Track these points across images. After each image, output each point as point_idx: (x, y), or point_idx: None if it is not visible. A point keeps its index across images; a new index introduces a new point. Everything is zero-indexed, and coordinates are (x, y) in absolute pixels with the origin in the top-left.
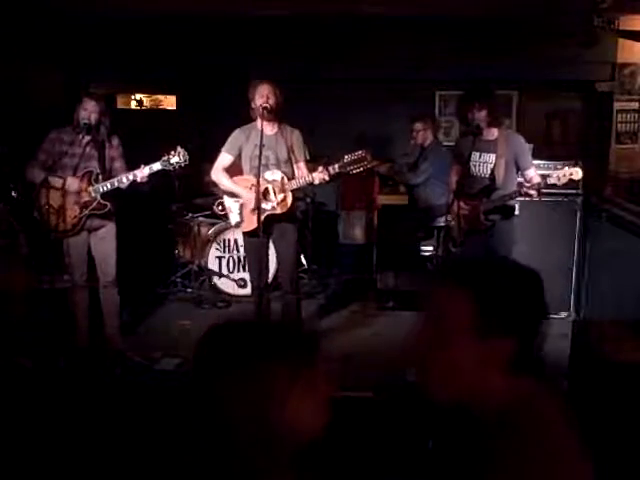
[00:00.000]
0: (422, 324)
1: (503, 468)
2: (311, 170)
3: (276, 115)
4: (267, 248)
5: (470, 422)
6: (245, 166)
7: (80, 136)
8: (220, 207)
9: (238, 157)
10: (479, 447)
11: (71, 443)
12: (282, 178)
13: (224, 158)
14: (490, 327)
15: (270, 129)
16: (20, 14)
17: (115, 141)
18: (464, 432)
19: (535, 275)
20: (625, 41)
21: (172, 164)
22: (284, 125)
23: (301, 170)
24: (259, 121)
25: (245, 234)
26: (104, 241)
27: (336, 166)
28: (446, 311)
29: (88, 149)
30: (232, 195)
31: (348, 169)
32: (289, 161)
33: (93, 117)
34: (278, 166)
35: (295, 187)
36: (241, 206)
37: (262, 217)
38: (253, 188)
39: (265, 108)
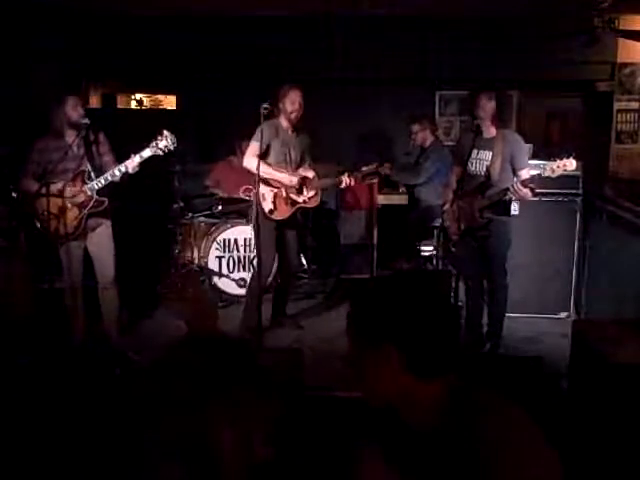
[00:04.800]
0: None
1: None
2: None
3: None
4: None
5: (399, 426)
6: (270, 160)
7: (67, 138)
8: (250, 193)
9: (265, 150)
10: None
11: (70, 442)
12: (314, 177)
13: (256, 147)
14: (365, 337)
15: (291, 130)
16: (20, 14)
17: (101, 136)
18: (397, 436)
19: (417, 283)
20: (625, 41)
21: (161, 148)
22: (299, 129)
23: (310, 171)
24: (283, 120)
25: (270, 220)
26: (100, 242)
27: (359, 176)
28: (347, 323)
29: (78, 149)
30: (268, 184)
31: (366, 179)
32: (302, 161)
33: (81, 114)
34: (299, 165)
35: (325, 186)
36: (275, 195)
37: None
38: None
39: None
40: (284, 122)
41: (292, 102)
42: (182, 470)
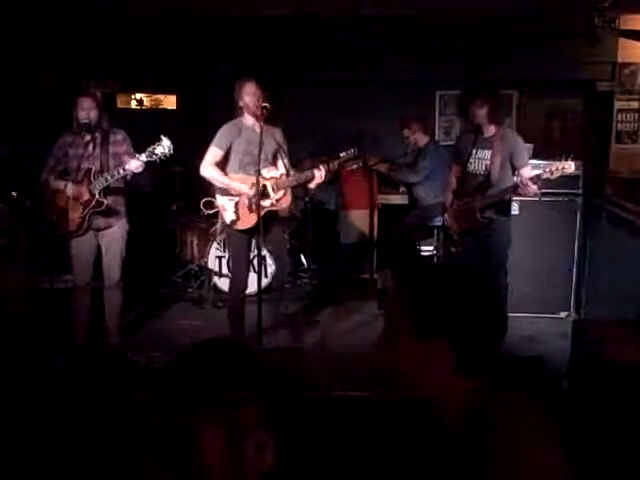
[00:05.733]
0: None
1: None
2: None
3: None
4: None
5: (435, 420)
6: (233, 163)
7: (82, 137)
8: (208, 205)
9: (226, 152)
10: (445, 447)
11: (70, 442)
12: (281, 175)
13: (215, 153)
14: (422, 326)
15: (258, 126)
16: (20, 14)
17: (119, 137)
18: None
19: (476, 279)
20: (625, 41)
21: (157, 154)
22: (266, 123)
23: (286, 167)
24: (248, 118)
25: (237, 231)
26: (112, 242)
27: (335, 163)
28: (390, 311)
29: (91, 148)
30: (225, 193)
31: (345, 165)
32: (275, 158)
33: (93, 115)
34: (269, 163)
35: (295, 184)
36: (236, 204)
37: (262, 214)
38: (252, 186)
39: (265, 107)
40: (248, 120)
41: (251, 94)
42: (168, 477)
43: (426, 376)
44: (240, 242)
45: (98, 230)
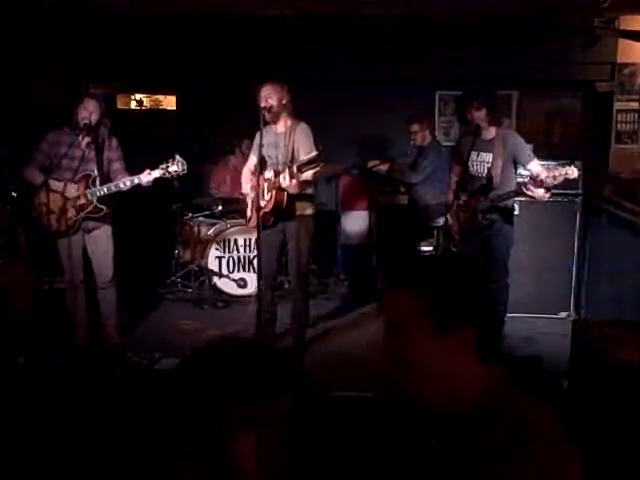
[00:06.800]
0: (384, 331)
1: (480, 462)
2: None
3: (281, 113)
4: (278, 246)
5: (444, 421)
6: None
7: (79, 137)
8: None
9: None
10: (455, 444)
11: (71, 442)
12: (271, 177)
13: (251, 160)
14: (447, 321)
15: (281, 127)
16: (21, 14)
17: (114, 143)
18: (441, 431)
19: (471, 266)
20: (625, 41)
21: (170, 172)
22: (296, 121)
23: (270, 172)
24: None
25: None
26: (99, 242)
27: (294, 168)
28: (402, 314)
29: (87, 151)
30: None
31: (303, 170)
32: (293, 159)
33: (94, 117)
34: (283, 164)
35: (279, 186)
36: (251, 202)
37: (260, 215)
38: (252, 186)
39: (264, 108)
40: (272, 123)
41: (262, 98)
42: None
43: (449, 371)
44: (262, 239)
45: (86, 231)
